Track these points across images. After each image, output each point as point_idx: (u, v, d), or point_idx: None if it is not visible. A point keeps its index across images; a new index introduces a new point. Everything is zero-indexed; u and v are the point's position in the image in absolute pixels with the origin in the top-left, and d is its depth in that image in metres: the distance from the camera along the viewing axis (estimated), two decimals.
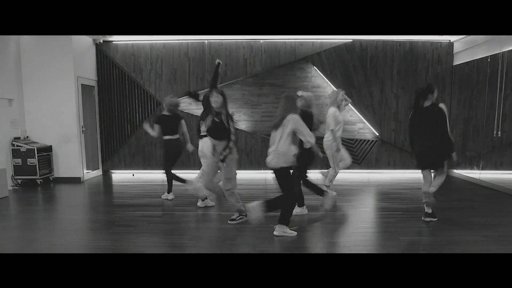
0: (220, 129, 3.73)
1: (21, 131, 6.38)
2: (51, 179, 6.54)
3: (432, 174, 4.07)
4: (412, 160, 7.41)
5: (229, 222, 4.00)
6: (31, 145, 6.15)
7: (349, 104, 5.96)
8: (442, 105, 3.90)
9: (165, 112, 4.99)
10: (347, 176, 7.09)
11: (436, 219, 4.03)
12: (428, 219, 4.03)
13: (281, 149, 3.43)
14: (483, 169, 6.22)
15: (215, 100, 3.72)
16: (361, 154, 7.36)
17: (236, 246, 3.36)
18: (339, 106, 5.03)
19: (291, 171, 3.53)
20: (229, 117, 3.77)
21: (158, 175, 6.96)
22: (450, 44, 7.15)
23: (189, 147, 5.13)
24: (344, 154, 5.32)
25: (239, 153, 7.14)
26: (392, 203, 4.85)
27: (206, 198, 4.77)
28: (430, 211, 4.03)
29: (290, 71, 7.17)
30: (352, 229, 3.89)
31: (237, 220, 4.01)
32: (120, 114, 7.34)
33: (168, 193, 5.21)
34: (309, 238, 3.57)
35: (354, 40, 7.13)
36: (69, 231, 3.82)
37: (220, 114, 3.75)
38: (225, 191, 3.86)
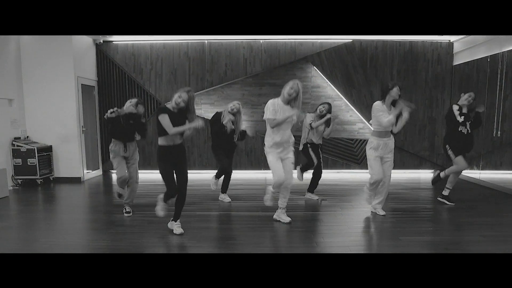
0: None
1: (21, 131, 6.38)
2: (51, 179, 6.54)
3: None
4: (412, 160, 7.48)
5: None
6: (31, 145, 6.15)
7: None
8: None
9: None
10: (347, 176, 7.09)
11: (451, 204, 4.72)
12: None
13: None
14: (483, 169, 6.22)
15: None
16: (361, 154, 7.35)
17: (236, 246, 3.36)
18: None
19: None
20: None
21: (157, 175, 6.93)
22: (450, 44, 7.16)
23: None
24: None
25: (239, 153, 7.19)
26: (392, 203, 4.85)
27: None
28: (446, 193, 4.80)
29: (290, 71, 7.17)
30: (352, 229, 3.89)
31: None
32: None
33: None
34: (308, 238, 3.57)
35: (354, 40, 7.12)
36: (69, 231, 3.82)
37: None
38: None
